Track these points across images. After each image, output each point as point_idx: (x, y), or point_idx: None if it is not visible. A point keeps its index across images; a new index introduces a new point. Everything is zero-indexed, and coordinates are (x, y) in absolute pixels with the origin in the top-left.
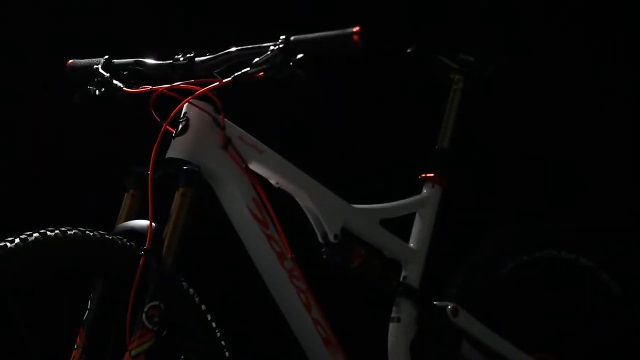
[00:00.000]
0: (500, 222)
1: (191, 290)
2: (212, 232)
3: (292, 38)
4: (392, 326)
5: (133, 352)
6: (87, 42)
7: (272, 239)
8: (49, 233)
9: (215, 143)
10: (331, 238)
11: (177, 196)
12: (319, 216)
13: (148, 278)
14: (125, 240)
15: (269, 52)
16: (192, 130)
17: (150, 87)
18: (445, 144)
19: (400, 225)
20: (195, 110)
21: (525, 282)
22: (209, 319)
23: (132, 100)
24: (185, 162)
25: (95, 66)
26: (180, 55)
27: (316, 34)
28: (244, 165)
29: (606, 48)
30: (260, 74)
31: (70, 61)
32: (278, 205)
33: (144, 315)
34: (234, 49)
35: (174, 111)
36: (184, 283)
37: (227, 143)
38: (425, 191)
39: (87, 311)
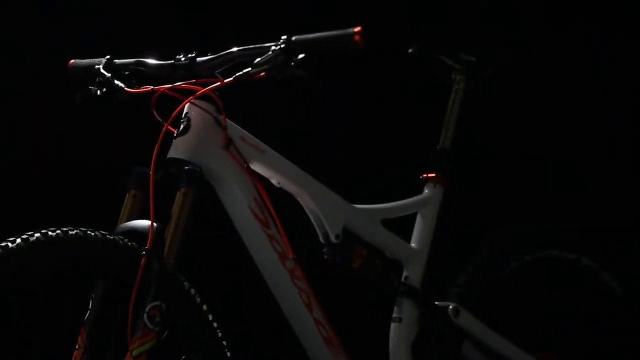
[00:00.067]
0: (501, 222)
1: (192, 291)
2: (214, 232)
3: (293, 38)
4: (393, 326)
5: (134, 352)
6: (88, 42)
7: (274, 239)
8: (50, 233)
9: (217, 143)
10: (332, 238)
11: (179, 196)
12: (321, 216)
13: (149, 278)
14: (126, 240)
15: (270, 52)
16: (193, 130)
17: (152, 87)
18: (447, 144)
19: (402, 226)
20: (197, 111)
21: (526, 282)
22: (211, 319)
23: (133, 100)
24: (186, 162)
25: (96, 66)
26: (181, 55)
27: (317, 34)
28: (246, 165)
29: (606, 48)
30: (262, 74)
31: (72, 61)
32: (279, 206)
33: (145, 315)
34: (235, 49)
35: (176, 111)
36: (185, 283)
37: (228, 143)
38: (426, 191)
39: (89, 311)
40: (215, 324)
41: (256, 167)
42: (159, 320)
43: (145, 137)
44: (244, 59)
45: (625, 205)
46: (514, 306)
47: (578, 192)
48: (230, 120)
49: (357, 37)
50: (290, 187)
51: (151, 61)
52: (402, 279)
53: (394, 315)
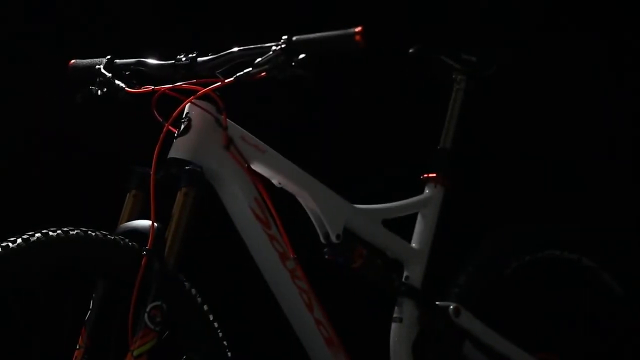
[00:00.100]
0: (501, 222)
1: (193, 291)
2: (214, 232)
3: (294, 38)
4: (394, 326)
5: (135, 352)
6: (89, 42)
7: (274, 239)
8: (51, 233)
9: (218, 143)
10: (333, 238)
11: (179, 196)
12: (321, 216)
13: (150, 278)
14: (127, 240)
15: (271, 52)
16: (194, 130)
17: (153, 87)
18: (448, 144)
19: (402, 226)
20: (198, 111)
21: (527, 282)
22: (211, 319)
23: (134, 100)
24: (187, 162)
25: (97, 66)
26: (182, 56)
27: (318, 34)
28: (246, 165)
29: (606, 48)
30: (263, 74)
31: (73, 61)
32: (280, 206)
33: (146, 315)
34: (236, 49)
35: (176, 111)
36: (186, 283)
37: (229, 143)
38: (427, 191)
39: (90, 311)
40: (216, 324)
41: (257, 167)
42: (159, 320)
43: (145, 137)
44: (245, 59)
45: (625, 205)
46: (515, 306)
47: (578, 192)
48: (231, 120)
49: (357, 37)
50: (290, 187)
51: (152, 61)
52: (403, 279)
53: (395, 315)
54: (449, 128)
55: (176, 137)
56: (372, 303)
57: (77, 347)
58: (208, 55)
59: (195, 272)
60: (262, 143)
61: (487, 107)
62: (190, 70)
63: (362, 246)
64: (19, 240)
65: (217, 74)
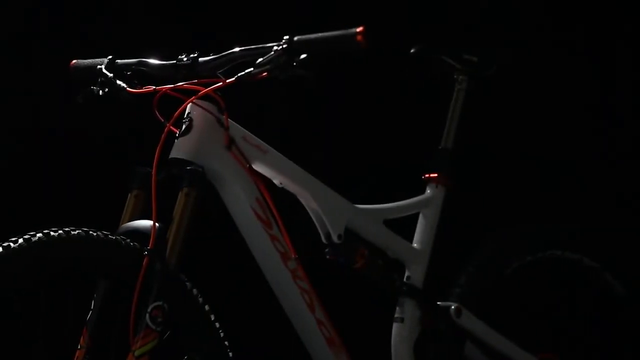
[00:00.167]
0: (502, 222)
1: (195, 291)
2: (216, 232)
3: (295, 38)
4: (395, 326)
5: (137, 353)
6: (90, 42)
7: (276, 239)
8: (52, 233)
9: (219, 143)
10: (335, 238)
11: (181, 196)
12: (323, 216)
13: (152, 278)
14: (128, 240)
15: (272, 53)
16: (195, 130)
17: (154, 87)
18: (449, 144)
19: (404, 226)
20: (199, 111)
21: (528, 282)
22: (213, 319)
23: (135, 100)
24: (188, 163)
25: (98, 66)
26: (183, 56)
27: (320, 34)
28: (248, 165)
29: (606, 48)
30: (264, 74)
31: (74, 61)
32: (281, 206)
33: (147, 315)
34: (237, 49)
35: (178, 111)
36: (187, 283)
37: (230, 143)
38: (428, 191)
39: (91, 311)
40: (217, 324)
41: (258, 167)
42: (161, 321)
43: (147, 137)
44: (246, 59)
45: (626, 205)
46: (516, 306)
47: (578, 192)
48: (232, 120)
49: (359, 37)
50: (292, 187)
51: (153, 61)
52: (404, 279)
53: (396, 315)
54: (450, 128)
55: (177, 137)
56: (373, 303)
57: (79, 347)
58: (209, 56)
59: (196, 273)
60: (264, 143)
61: (487, 107)
62: (192, 71)
63: (364, 246)
64: (21, 241)
65: (219, 74)
